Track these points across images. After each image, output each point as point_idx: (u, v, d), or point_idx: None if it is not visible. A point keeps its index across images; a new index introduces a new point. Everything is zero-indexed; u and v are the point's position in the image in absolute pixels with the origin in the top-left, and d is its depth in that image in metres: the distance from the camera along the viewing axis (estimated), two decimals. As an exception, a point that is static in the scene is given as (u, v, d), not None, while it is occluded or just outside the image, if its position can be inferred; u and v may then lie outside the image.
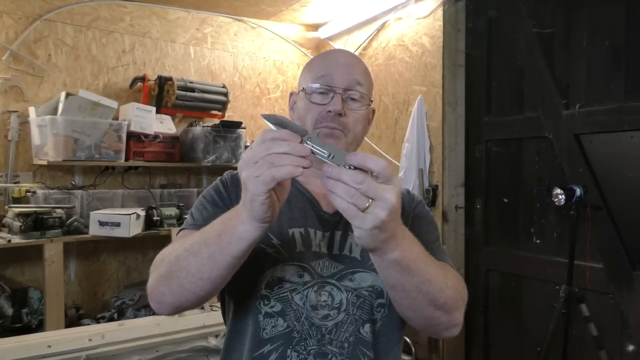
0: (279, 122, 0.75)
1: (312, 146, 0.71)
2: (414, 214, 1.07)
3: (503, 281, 2.94)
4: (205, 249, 0.80)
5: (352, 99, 1.01)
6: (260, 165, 0.70)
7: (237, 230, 0.77)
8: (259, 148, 0.70)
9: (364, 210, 0.69)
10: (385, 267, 0.79)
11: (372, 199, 0.69)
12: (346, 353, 0.94)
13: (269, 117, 0.77)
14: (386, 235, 0.73)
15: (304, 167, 0.70)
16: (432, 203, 3.06)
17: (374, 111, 1.12)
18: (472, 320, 3.07)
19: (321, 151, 0.71)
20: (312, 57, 1.16)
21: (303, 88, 1.04)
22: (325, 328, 0.94)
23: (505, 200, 2.91)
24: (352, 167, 0.70)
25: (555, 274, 2.53)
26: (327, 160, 0.71)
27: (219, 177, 1.08)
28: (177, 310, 0.89)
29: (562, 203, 2.29)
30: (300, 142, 0.71)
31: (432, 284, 0.83)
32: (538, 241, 2.72)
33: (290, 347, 0.94)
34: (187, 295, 0.85)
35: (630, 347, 2.32)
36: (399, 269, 0.78)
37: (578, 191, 2.29)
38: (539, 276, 2.70)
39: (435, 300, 0.84)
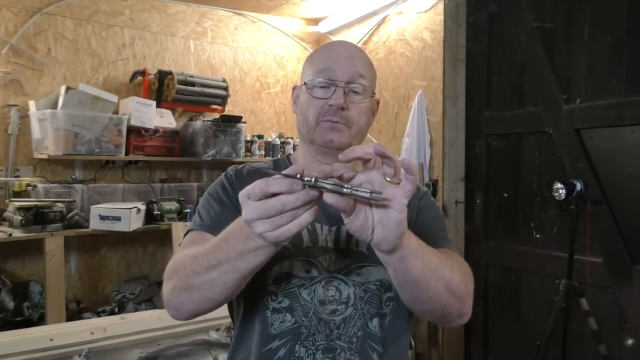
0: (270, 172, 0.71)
1: (314, 186, 0.67)
2: (419, 205, 1.07)
3: (503, 276, 2.94)
4: (226, 264, 0.78)
5: (355, 92, 1.00)
6: (275, 222, 0.67)
7: (259, 248, 0.75)
8: (267, 206, 0.67)
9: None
10: (408, 259, 0.77)
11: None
12: (355, 348, 0.94)
13: (259, 173, 0.73)
14: (407, 218, 0.73)
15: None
16: (431, 195, 3.06)
17: (378, 102, 1.11)
18: (471, 314, 3.07)
19: (328, 185, 0.67)
20: (312, 51, 1.15)
21: (305, 82, 1.03)
22: (333, 323, 0.94)
23: (506, 194, 2.91)
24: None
25: (555, 269, 2.54)
26: (340, 190, 0.68)
27: (224, 173, 1.07)
28: (196, 315, 0.89)
29: (563, 198, 2.29)
30: (303, 187, 0.67)
31: (444, 268, 0.84)
32: (538, 236, 2.73)
33: (299, 342, 0.93)
34: (210, 303, 0.85)
35: (630, 341, 2.33)
36: (419, 256, 0.78)
37: (578, 186, 2.29)
38: (539, 270, 2.71)
39: (450, 284, 0.84)
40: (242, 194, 0.70)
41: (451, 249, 1.00)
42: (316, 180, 0.67)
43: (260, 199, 0.68)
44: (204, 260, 0.81)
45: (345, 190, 0.67)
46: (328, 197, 0.68)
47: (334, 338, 0.94)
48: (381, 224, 0.71)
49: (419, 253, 0.78)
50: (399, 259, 0.77)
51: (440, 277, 0.83)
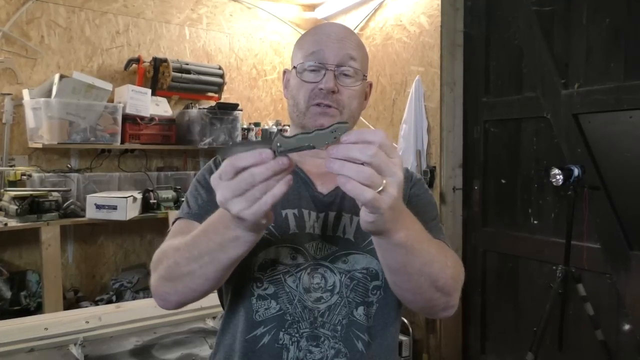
0: (237, 148, 0.67)
1: (286, 150, 0.66)
2: (411, 192, 1.05)
3: (500, 262, 2.94)
4: (207, 255, 0.78)
5: (345, 75, 0.98)
6: (249, 198, 0.65)
7: (238, 238, 0.75)
8: (238, 181, 0.65)
9: (380, 192, 0.64)
10: (390, 249, 0.77)
11: (383, 176, 0.65)
12: (339, 336, 0.93)
13: (225, 152, 0.70)
14: (396, 214, 0.70)
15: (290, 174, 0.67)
16: (430, 184, 3.06)
17: (371, 85, 1.08)
18: (469, 300, 3.08)
19: (298, 146, 0.66)
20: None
21: (294, 66, 1.01)
22: (317, 311, 0.93)
23: (503, 181, 2.90)
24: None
25: (553, 254, 2.54)
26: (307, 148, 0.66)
27: (212, 159, 1.06)
28: (182, 305, 0.90)
29: (560, 183, 2.28)
30: (274, 155, 0.65)
31: (434, 265, 0.81)
32: (536, 222, 2.72)
33: (283, 329, 0.93)
34: (194, 293, 0.86)
35: (626, 327, 2.33)
36: (404, 251, 0.76)
37: (576, 171, 2.28)
38: (537, 256, 2.71)
39: (436, 281, 0.82)
40: (214, 178, 0.68)
41: (442, 240, 0.98)
42: (281, 133, 0.66)
43: (232, 178, 0.66)
44: (185, 252, 0.81)
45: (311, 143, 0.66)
46: (348, 186, 0.65)
47: (318, 326, 0.93)
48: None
49: (402, 251, 0.76)
50: (377, 244, 0.77)
51: (427, 273, 0.81)
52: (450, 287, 0.86)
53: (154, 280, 0.88)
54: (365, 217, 0.69)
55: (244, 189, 0.65)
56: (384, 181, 0.65)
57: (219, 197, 0.67)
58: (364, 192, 0.64)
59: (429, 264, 0.80)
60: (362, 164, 0.65)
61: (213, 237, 0.77)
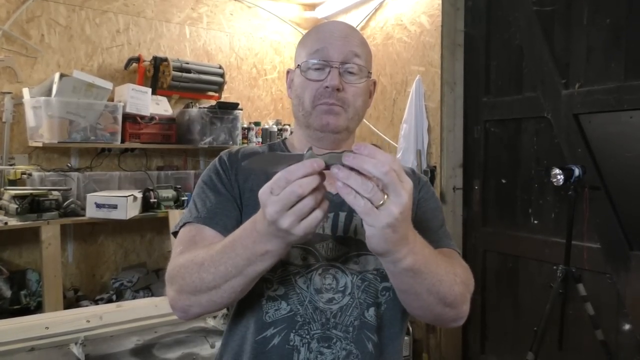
0: (267, 158, 0.73)
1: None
2: (419, 196, 1.05)
3: (501, 262, 2.94)
4: (234, 270, 0.78)
5: (350, 72, 0.97)
6: (297, 212, 0.67)
7: (268, 252, 0.75)
8: (287, 193, 0.66)
9: (378, 207, 0.65)
10: (397, 273, 0.78)
11: (387, 194, 0.65)
12: (351, 337, 0.93)
13: (253, 162, 0.76)
14: (398, 236, 0.70)
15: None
16: (430, 184, 3.06)
17: (375, 83, 1.08)
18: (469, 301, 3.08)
19: (329, 164, 0.69)
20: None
21: (299, 65, 1.00)
22: (330, 312, 0.93)
23: (504, 181, 2.90)
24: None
25: (553, 254, 2.54)
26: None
27: (217, 158, 1.04)
28: (202, 315, 0.90)
29: (561, 183, 2.28)
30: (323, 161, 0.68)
31: (443, 284, 0.82)
32: (536, 222, 2.72)
33: (294, 331, 0.92)
34: (219, 306, 0.86)
35: (626, 327, 2.34)
36: (411, 274, 0.77)
37: (576, 171, 2.28)
38: (537, 256, 2.71)
39: (444, 299, 0.83)
40: (263, 192, 0.68)
41: (451, 247, 0.99)
42: (311, 152, 0.69)
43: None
44: (210, 268, 0.80)
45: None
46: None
47: (330, 327, 0.93)
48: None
49: (410, 274, 0.77)
50: (385, 266, 0.78)
51: (435, 292, 0.82)
52: (459, 301, 0.87)
53: (173, 293, 0.87)
54: (367, 231, 0.69)
55: (293, 201, 0.66)
56: (385, 197, 0.65)
57: (269, 212, 0.67)
58: (356, 199, 0.65)
59: (437, 284, 0.81)
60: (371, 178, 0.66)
61: (242, 252, 0.77)
